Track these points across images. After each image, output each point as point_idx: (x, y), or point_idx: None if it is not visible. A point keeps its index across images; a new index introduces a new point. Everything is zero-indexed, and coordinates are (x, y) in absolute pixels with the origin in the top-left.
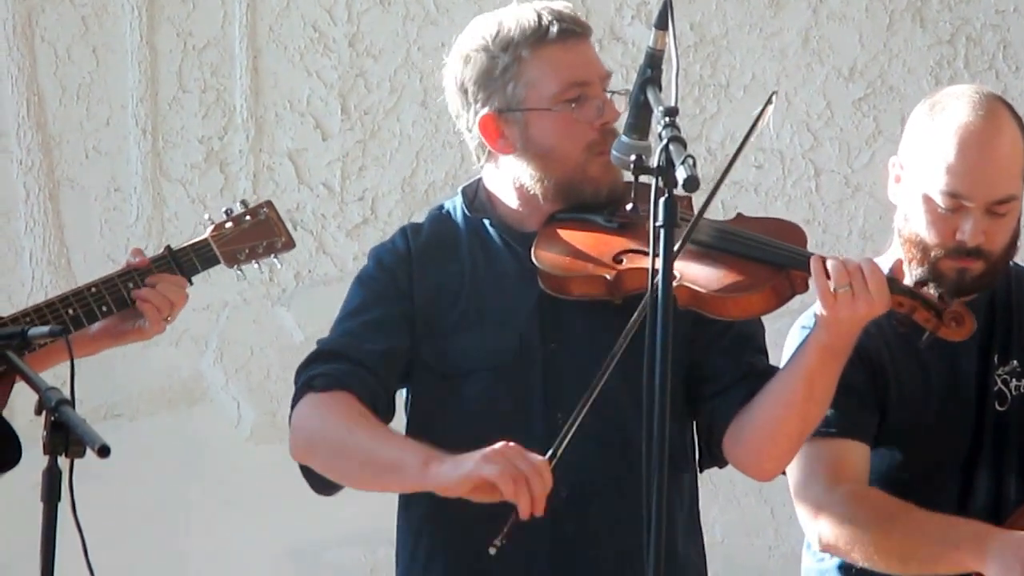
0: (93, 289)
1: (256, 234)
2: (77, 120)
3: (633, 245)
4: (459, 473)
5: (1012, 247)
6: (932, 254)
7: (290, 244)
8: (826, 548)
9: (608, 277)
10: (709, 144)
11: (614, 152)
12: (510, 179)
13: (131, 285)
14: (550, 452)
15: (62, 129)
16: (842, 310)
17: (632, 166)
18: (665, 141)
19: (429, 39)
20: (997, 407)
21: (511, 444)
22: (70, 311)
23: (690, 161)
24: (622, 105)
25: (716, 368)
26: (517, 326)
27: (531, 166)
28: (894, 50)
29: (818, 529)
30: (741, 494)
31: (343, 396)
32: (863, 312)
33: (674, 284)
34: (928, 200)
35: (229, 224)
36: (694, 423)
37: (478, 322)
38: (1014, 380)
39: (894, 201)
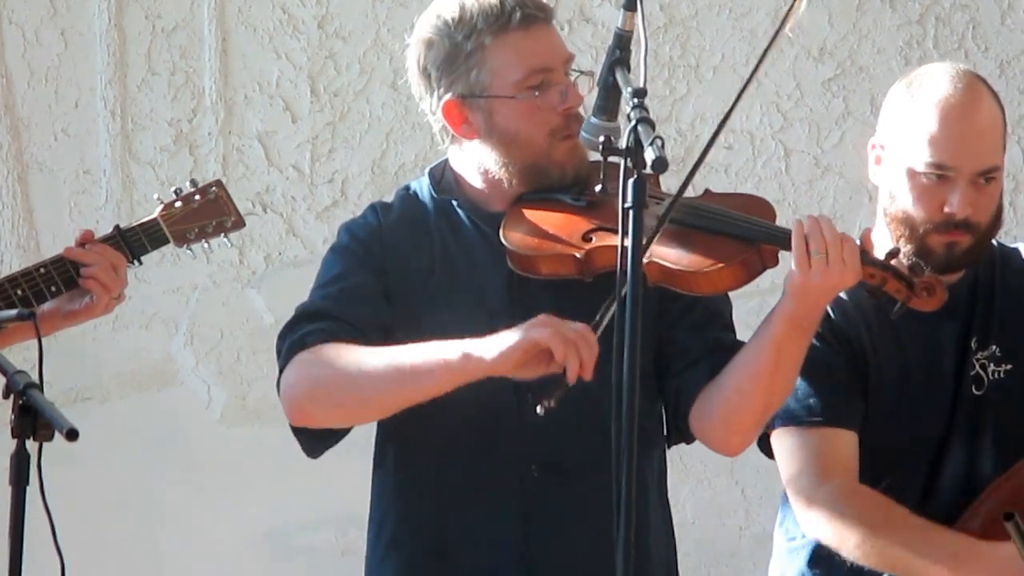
0: (42, 269)
1: (205, 213)
2: (46, 103)
3: (602, 223)
4: (508, 345)
5: (997, 221)
6: (920, 230)
7: (240, 223)
8: (817, 541)
9: (578, 256)
10: (679, 125)
11: (583, 133)
12: (475, 162)
13: (79, 264)
14: (594, 321)
15: (30, 112)
16: (814, 276)
17: (601, 147)
18: (634, 122)
19: (399, 20)
20: (974, 391)
21: (547, 315)
22: (19, 291)
23: (659, 142)
24: (587, 85)
25: (683, 343)
26: (487, 304)
27: (496, 151)
28: (863, 30)
29: (808, 524)
30: (712, 475)
31: (339, 343)
32: (834, 280)
33: (644, 261)
34: (913, 174)
35: (178, 204)
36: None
37: (449, 300)
38: (992, 365)
39: (876, 182)
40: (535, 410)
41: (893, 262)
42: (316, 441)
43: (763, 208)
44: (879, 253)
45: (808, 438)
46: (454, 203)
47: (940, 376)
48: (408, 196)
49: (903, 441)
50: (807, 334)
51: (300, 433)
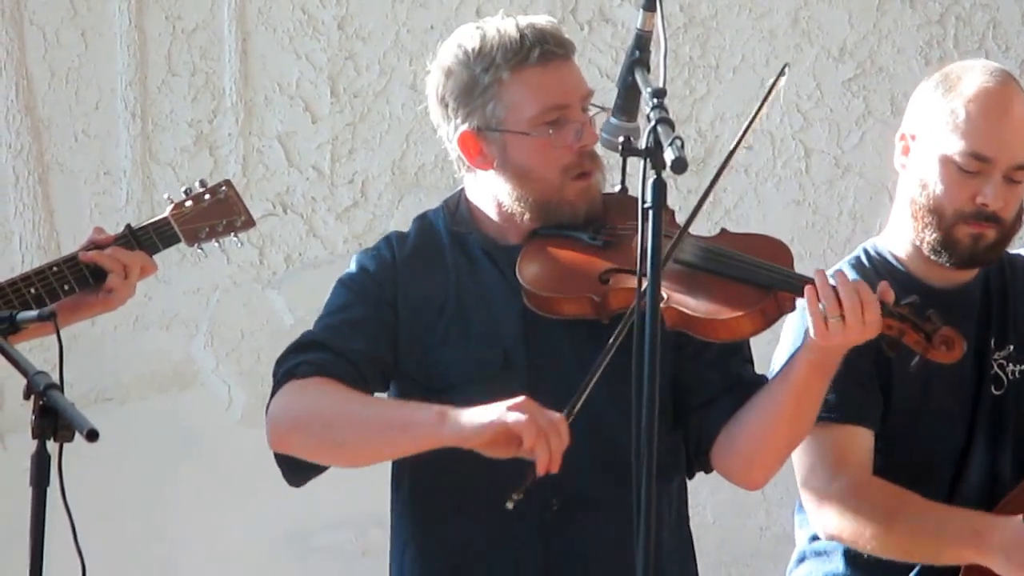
0: (55, 268)
1: (216, 212)
2: (66, 104)
3: (619, 264)
4: (481, 421)
5: (1018, 221)
6: (949, 219)
7: (250, 223)
8: (831, 538)
9: (596, 298)
10: (699, 125)
11: (603, 134)
12: (490, 194)
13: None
14: (566, 410)
15: (51, 113)
16: (833, 336)
17: (620, 147)
18: (653, 122)
19: (419, 21)
20: (993, 391)
21: (527, 398)
22: (32, 290)
23: (678, 142)
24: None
25: (703, 379)
26: (501, 340)
27: (509, 184)
28: (884, 30)
29: (822, 520)
30: None
31: (329, 380)
32: (854, 338)
33: (663, 305)
34: (949, 162)
35: (189, 203)
36: (681, 431)
37: (463, 336)
38: (1011, 364)
39: (901, 172)
40: (505, 504)
41: (912, 313)
42: (298, 471)
43: (780, 252)
44: (899, 253)
45: (824, 434)
46: (469, 236)
47: (961, 377)
48: (424, 226)
49: (927, 445)
50: (828, 377)
51: (282, 462)
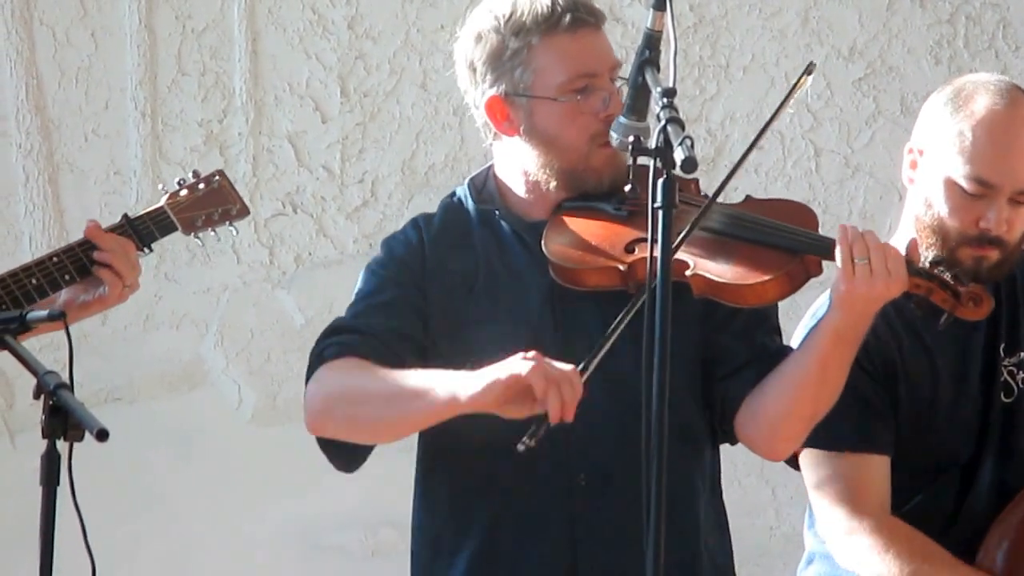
0: (55, 259)
1: (211, 201)
2: (76, 103)
3: (643, 234)
4: (491, 379)
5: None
6: (953, 241)
7: (244, 211)
8: (848, 568)
9: (621, 268)
10: (709, 125)
11: (612, 133)
12: (516, 162)
13: (92, 252)
14: (581, 365)
15: (61, 112)
16: (860, 285)
17: (630, 147)
18: (663, 122)
19: (428, 21)
20: (1003, 398)
21: (537, 352)
22: (33, 280)
23: (688, 142)
24: None
25: (729, 348)
26: (530, 316)
27: (535, 151)
28: (894, 30)
29: (844, 552)
30: (743, 475)
31: (356, 359)
32: (880, 289)
33: (688, 272)
34: (952, 185)
35: (184, 192)
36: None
37: (492, 314)
38: (1021, 372)
39: (909, 186)
40: (516, 448)
41: (938, 271)
42: (344, 455)
43: (806, 216)
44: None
45: (838, 465)
46: (496, 213)
47: (970, 386)
48: (453, 205)
49: (937, 455)
50: (853, 346)
51: (326, 447)
